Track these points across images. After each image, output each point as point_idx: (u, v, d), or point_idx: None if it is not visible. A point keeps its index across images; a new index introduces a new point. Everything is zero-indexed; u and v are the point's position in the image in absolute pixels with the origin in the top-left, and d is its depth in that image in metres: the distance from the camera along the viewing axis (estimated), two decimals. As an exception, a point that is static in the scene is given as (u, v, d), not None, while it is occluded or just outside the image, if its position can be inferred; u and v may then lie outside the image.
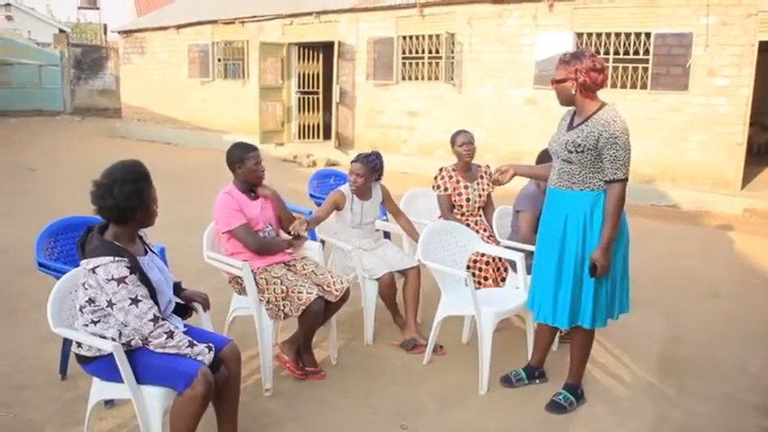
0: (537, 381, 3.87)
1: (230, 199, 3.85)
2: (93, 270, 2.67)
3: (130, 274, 2.69)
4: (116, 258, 2.68)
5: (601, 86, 3.32)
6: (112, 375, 2.77)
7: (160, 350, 2.72)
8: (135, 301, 2.67)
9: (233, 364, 2.96)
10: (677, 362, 4.32)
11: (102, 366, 2.80)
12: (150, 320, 2.68)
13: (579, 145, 3.26)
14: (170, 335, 2.72)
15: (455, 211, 4.93)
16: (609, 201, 3.28)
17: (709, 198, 9.77)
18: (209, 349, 2.80)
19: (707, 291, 5.84)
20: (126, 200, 2.73)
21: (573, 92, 3.31)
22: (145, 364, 2.75)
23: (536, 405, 3.66)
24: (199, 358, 2.76)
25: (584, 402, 3.67)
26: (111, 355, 2.68)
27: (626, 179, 3.28)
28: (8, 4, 32.16)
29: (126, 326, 2.72)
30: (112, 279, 2.65)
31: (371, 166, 4.49)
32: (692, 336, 4.79)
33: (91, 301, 2.74)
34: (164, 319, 2.79)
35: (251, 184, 3.96)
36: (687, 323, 5.04)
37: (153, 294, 2.80)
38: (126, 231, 2.83)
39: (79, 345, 2.83)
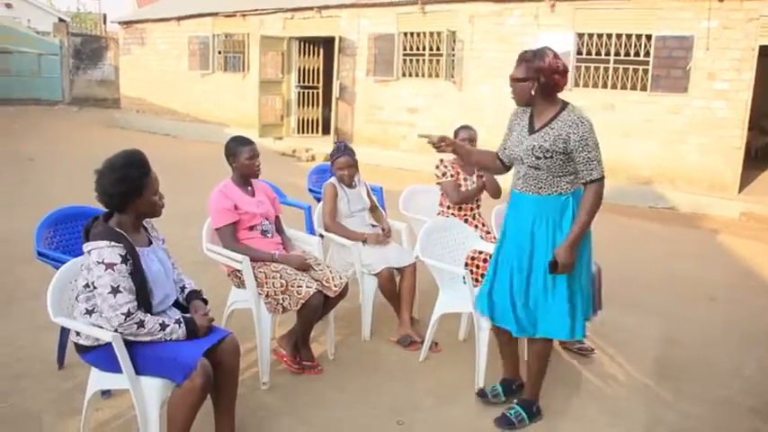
0: (515, 396, 3.63)
1: (223, 196, 3.87)
2: (89, 252, 2.72)
3: (121, 262, 2.70)
4: (112, 243, 2.71)
5: (561, 90, 3.21)
6: (111, 365, 2.78)
7: (132, 338, 2.73)
8: (115, 290, 2.68)
9: (231, 356, 2.96)
10: (672, 364, 4.33)
11: (101, 356, 2.80)
12: (122, 314, 2.68)
13: (548, 150, 3.13)
14: (140, 324, 2.71)
15: (451, 208, 4.93)
16: (587, 199, 3.15)
17: (707, 201, 9.79)
18: (179, 323, 2.81)
19: (703, 294, 5.86)
20: (111, 186, 2.77)
21: (532, 93, 3.17)
22: (143, 355, 2.76)
23: (531, 403, 3.67)
24: (174, 337, 2.78)
25: (539, 419, 3.48)
26: (109, 344, 2.69)
27: (602, 177, 3.19)
28: (8, -8, 32.02)
29: (99, 313, 2.74)
30: (102, 263, 2.68)
31: (352, 155, 4.70)
32: (688, 338, 4.80)
33: (86, 286, 2.76)
34: (149, 312, 2.80)
35: (246, 178, 3.99)
36: (683, 326, 5.05)
37: (145, 285, 2.81)
38: (129, 220, 2.86)
39: (78, 334, 2.84)
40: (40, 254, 3.69)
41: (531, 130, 3.24)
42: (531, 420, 3.44)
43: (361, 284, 4.46)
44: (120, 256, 2.71)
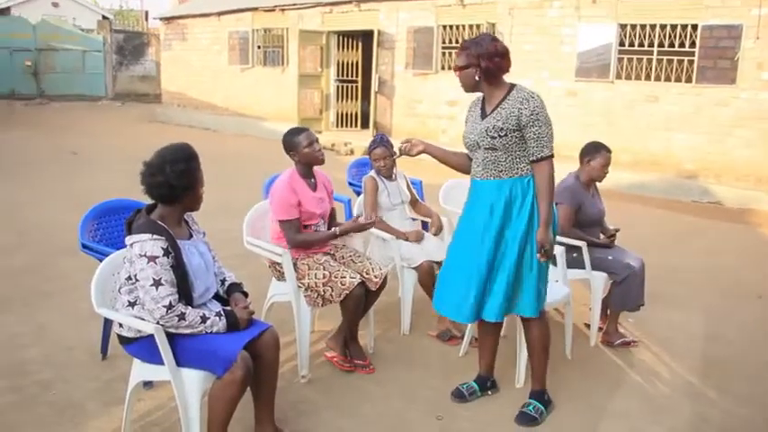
0: (489, 392, 3.65)
1: (290, 190, 3.80)
2: (131, 245, 2.75)
3: (163, 255, 2.72)
4: (154, 236, 2.73)
5: (506, 71, 3.22)
6: (153, 357, 2.80)
7: (173, 331, 2.75)
8: (157, 283, 2.70)
9: (271, 349, 2.97)
10: (717, 362, 4.22)
11: (143, 348, 2.83)
12: (164, 306, 2.70)
13: (501, 129, 3.14)
14: (182, 316, 2.73)
15: None
16: (540, 181, 3.15)
17: (754, 196, 9.53)
18: (219, 316, 2.83)
19: (749, 291, 5.69)
20: (177, 178, 2.79)
21: (476, 78, 3.19)
22: (185, 347, 2.78)
23: (571, 397, 3.62)
24: (214, 330, 2.79)
25: (552, 408, 3.48)
26: (151, 336, 2.72)
27: (552, 155, 3.17)
28: (54, -9, 32.77)
29: (141, 305, 2.76)
30: (144, 255, 2.70)
31: (389, 146, 4.69)
32: (734, 336, 4.67)
33: (129, 278, 2.79)
34: (190, 305, 2.82)
35: (310, 167, 3.95)
36: (728, 323, 4.91)
37: (186, 278, 2.82)
38: (173, 213, 2.88)
39: (121, 325, 2.87)
40: (84, 246, 3.75)
41: (484, 116, 3.27)
42: (547, 410, 3.44)
43: (401, 278, 4.44)
44: (162, 248, 2.73)
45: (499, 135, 3.15)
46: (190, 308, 2.79)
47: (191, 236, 3.00)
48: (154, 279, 2.70)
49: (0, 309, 4.62)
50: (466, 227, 3.37)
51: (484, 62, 3.16)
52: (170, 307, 2.71)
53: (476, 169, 3.33)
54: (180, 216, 2.94)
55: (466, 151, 3.46)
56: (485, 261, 3.24)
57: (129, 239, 2.78)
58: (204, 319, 2.78)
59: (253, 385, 2.91)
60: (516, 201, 3.20)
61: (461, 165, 3.51)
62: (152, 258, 2.71)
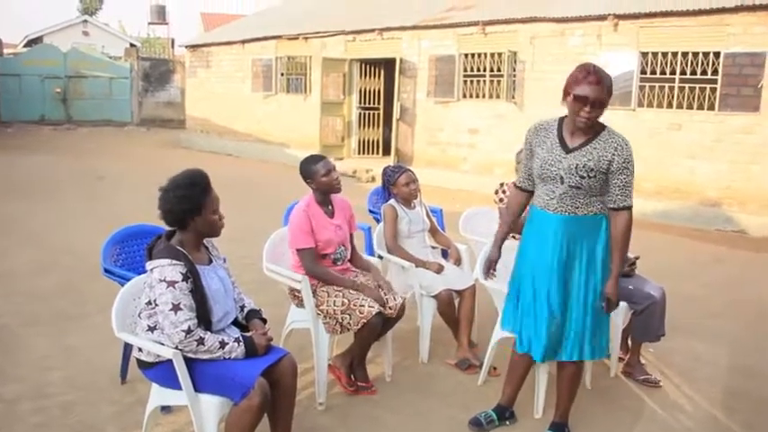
0: (507, 422, 3.61)
1: (305, 218, 3.82)
2: (151, 270, 2.80)
3: (182, 280, 2.76)
4: (173, 262, 2.77)
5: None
6: (171, 382, 2.82)
7: (192, 356, 2.77)
8: (176, 308, 2.73)
9: (289, 376, 2.97)
10: (744, 396, 4.14)
11: (162, 372, 2.85)
12: (183, 331, 2.73)
13: (592, 169, 3.06)
14: (200, 341, 2.75)
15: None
16: (619, 229, 3.11)
17: (780, 224, 9.40)
18: (238, 342, 2.84)
19: (777, 322, 5.59)
20: (177, 203, 2.85)
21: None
22: (203, 373, 2.80)
23: (589, 429, 3.57)
24: (233, 356, 2.81)
25: None
26: (170, 361, 2.74)
27: (632, 206, 3.14)
28: (85, 21, 33.56)
29: (161, 330, 2.79)
30: (163, 280, 2.75)
31: (412, 172, 4.72)
32: (761, 370, 4.58)
33: (149, 303, 2.83)
34: (209, 330, 2.84)
35: (327, 195, 3.97)
36: (755, 356, 4.82)
37: (205, 303, 2.85)
38: (190, 238, 2.93)
39: (140, 350, 2.90)
40: (106, 270, 3.80)
41: (567, 149, 3.15)
42: None
43: (420, 306, 4.43)
44: (181, 273, 2.77)
45: (588, 175, 3.07)
46: (209, 333, 2.81)
47: (210, 261, 3.03)
48: (173, 304, 2.73)
49: (29, 330, 4.70)
50: (542, 259, 3.23)
51: (609, 100, 3.08)
52: (189, 332, 2.74)
53: (548, 201, 3.21)
54: (198, 242, 2.98)
55: (511, 209, 3.49)
56: (556, 299, 3.20)
57: (149, 265, 2.82)
58: (223, 344, 2.80)
59: (270, 411, 2.92)
60: (588, 238, 3.17)
61: (522, 210, 3.51)
62: (171, 283, 2.74)
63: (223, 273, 3.07)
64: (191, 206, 2.86)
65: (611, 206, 3.13)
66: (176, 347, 2.74)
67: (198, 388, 2.79)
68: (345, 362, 3.91)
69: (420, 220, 4.71)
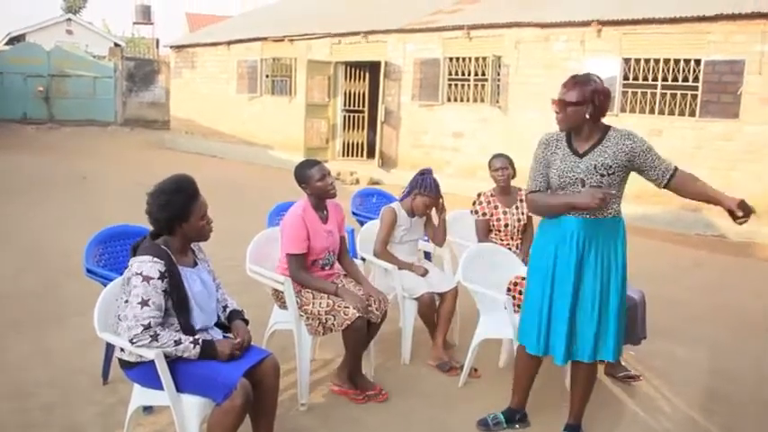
0: (517, 425, 3.61)
1: (301, 224, 3.79)
2: (131, 264, 2.81)
3: (158, 278, 2.77)
4: (154, 259, 2.79)
5: (605, 114, 3.23)
6: (153, 382, 2.82)
7: (146, 349, 2.74)
8: (144, 302, 2.73)
9: (271, 377, 2.99)
10: (723, 399, 4.19)
11: (144, 373, 2.85)
12: (142, 325, 2.71)
13: (610, 166, 3.14)
14: (155, 337, 2.73)
15: (493, 235, 4.91)
16: (691, 179, 3.30)
17: (758, 229, 9.52)
18: (195, 344, 2.79)
19: (757, 326, 5.66)
20: (158, 210, 2.86)
21: (587, 116, 3.15)
22: (185, 373, 2.80)
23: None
24: (186, 355, 2.78)
25: None
26: (152, 362, 2.74)
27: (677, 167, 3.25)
28: (69, 19, 33.30)
29: (122, 320, 2.78)
30: (140, 274, 2.76)
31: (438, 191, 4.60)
32: (740, 373, 4.64)
33: (126, 301, 2.81)
34: (190, 330, 2.86)
35: (323, 200, 3.95)
36: (735, 359, 4.89)
37: (186, 304, 2.86)
38: (175, 241, 2.93)
39: (122, 350, 2.90)
40: (89, 271, 3.79)
41: (579, 155, 3.22)
42: None
43: (402, 308, 4.45)
44: (159, 272, 2.78)
45: (608, 173, 3.14)
46: (166, 330, 2.78)
47: (195, 264, 3.04)
48: (143, 298, 2.73)
49: (9, 331, 4.66)
50: (561, 262, 3.25)
51: (598, 100, 3.15)
52: (147, 327, 2.72)
53: None
54: (184, 245, 2.98)
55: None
56: (573, 300, 3.23)
57: (131, 261, 2.84)
58: (178, 342, 2.77)
59: (251, 412, 2.92)
60: (609, 240, 3.22)
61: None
62: (147, 278, 2.75)
63: (207, 276, 3.07)
64: (177, 213, 2.86)
65: (666, 180, 3.22)
66: (130, 341, 2.73)
67: (180, 388, 2.80)
68: (343, 376, 3.91)
69: (419, 229, 4.69)
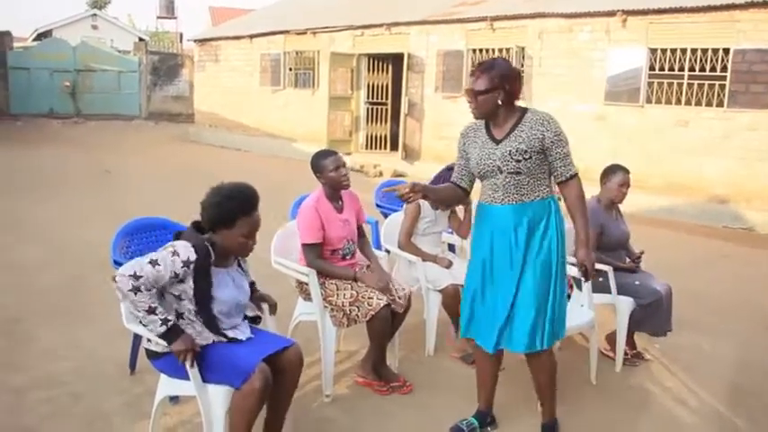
0: (488, 428, 3.50)
1: (314, 214, 3.83)
2: (167, 245, 2.83)
3: (183, 262, 2.75)
4: (191, 248, 2.79)
5: (518, 97, 3.19)
6: (179, 372, 2.85)
7: (121, 297, 2.74)
8: (153, 262, 2.71)
9: (294, 366, 3.00)
10: (748, 391, 4.15)
11: (171, 362, 2.88)
12: (131, 275, 2.66)
13: (525, 151, 3.08)
14: (136, 289, 2.67)
15: None
16: (573, 197, 3.15)
17: (788, 222, 9.38)
18: (165, 323, 2.73)
19: (782, 318, 5.59)
20: (209, 206, 2.87)
21: (499, 102, 3.11)
22: (208, 361, 2.83)
23: (594, 424, 3.59)
24: (149, 327, 2.74)
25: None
26: None
27: (578, 173, 3.17)
28: (94, 15, 33.67)
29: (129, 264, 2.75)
30: (172, 246, 2.79)
31: None
32: (766, 366, 4.59)
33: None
34: (216, 330, 2.88)
35: (336, 191, 3.97)
36: (760, 352, 4.83)
37: (206, 302, 2.85)
38: (219, 244, 2.91)
39: (149, 340, 2.92)
40: (116, 263, 3.83)
41: (496, 141, 3.18)
42: None
43: (426, 300, 4.45)
44: (188, 258, 2.77)
45: (524, 158, 3.09)
46: (149, 296, 2.71)
47: (235, 267, 3.06)
48: (155, 259, 2.73)
49: (38, 323, 4.74)
50: (494, 252, 3.23)
51: (508, 84, 3.11)
52: (136, 277, 2.68)
53: (493, 195, 3.21)
54: (225, 252, 2.95)
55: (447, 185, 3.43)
56: (513, 287, 3.16)
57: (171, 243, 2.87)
58: (151, 311, 2.71)
59: (270, 399, 2.93)
60: (540, 224, 3.16)
61: (452, 196, 3.46)
62: (174, 252, 2.76)
63: (244, 282, 3.07)
64: (222, 218, 2.85)
65: (560, 180, 3.17)
66: (114, 277, 2.72)
67: (204, 378, 2.83)
68: (368, 367, 3.92)
69: (444, 221, 4.70)
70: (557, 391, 3.44)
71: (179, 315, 2.85)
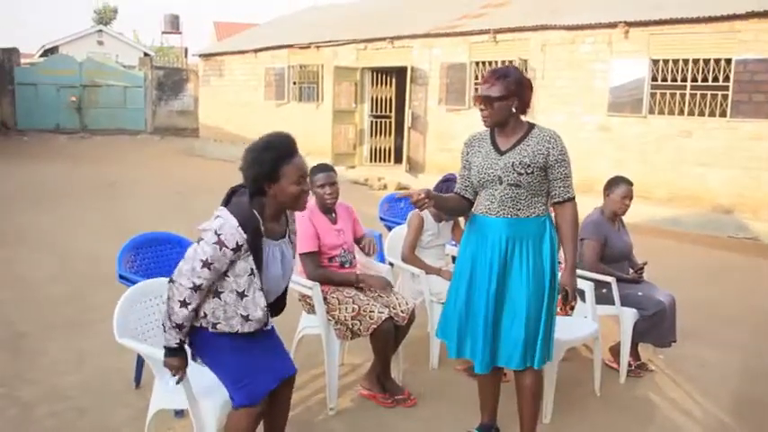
0: None
1: (308, 223, 3.86)
2: (217, 216, 2.63)
3: (233, 249, 2.57)
4: (239, 228, 2.58)
5: (530, 105, 3.17)
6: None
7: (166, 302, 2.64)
8: (206, 264, 2.56)
9: (288, 387, 2.95)
10: (754, 402, 4.14)
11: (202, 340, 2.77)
12: (193, 283, 2.56)
13: (528, 165, 3.05)
14: (184, 304, 2.58)
15: None
16: (568, 221, 3.13)
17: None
18: (178, 342, 2.64)
19: (788, 329, 5.57)
20: (247, 167, 2.68)
21: (513, 110, 3.08)
22: (221, 353, 2.75)
23: (602, 438, 3.59)
24: (166, 335, 2.65)
25: None
26: (208, 333, 2.71)
27: (575, 197, 3.16)
28: (100, 31, 33.94)
29: (180, 265, 2.62)
30: (218, 234, 2.57)
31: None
32: (771, 375, 4.58)
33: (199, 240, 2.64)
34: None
35: (323, 206, 4.00)
36: (766, 363, 4.82)
37: (252, 282, 2.69)
38: (270, 205, 2.74)
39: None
40: (121, 277, 3.86)
41: (501, 152, 3.15)
42: None
43: (430, 313, 4.46)
44: (237, 243, 2.58)
45: (526, 172, 3.07)
46: (189, 308, 2.61)
47: (283, 236, 2.85)
48: (205, 261, 2.56)
49: (44, 336, 4.77)
50: (483, 265, 3.17)
51: (523, 93, 3.08)
52: (197, 289, 2.58)
53: (489, 206, 3.17)
54: (278, 212, 2.79)
55: (458, 193, 3.38)
56: (495, 303, 3.12)
57: (220, 210, 2.66)
58: (178, 327, 2.62)
59: (266, 419, 2.90)
60: (532, 241, 3.12)
61: (458, 206, 3.39)
62: (221, 244, 2.56)
63: (289, 253, 2.90)
64: (264, 172, 2.64)
65: (556, 200, 3.15)
66: (170, 280, 2.62)
67: (211, 364, 2.78)
68: (372, 379, 3.92)
69: (447, 234, 4.71)
70: (561, 402, 3.44)
71: (217, 293, 2.68)
